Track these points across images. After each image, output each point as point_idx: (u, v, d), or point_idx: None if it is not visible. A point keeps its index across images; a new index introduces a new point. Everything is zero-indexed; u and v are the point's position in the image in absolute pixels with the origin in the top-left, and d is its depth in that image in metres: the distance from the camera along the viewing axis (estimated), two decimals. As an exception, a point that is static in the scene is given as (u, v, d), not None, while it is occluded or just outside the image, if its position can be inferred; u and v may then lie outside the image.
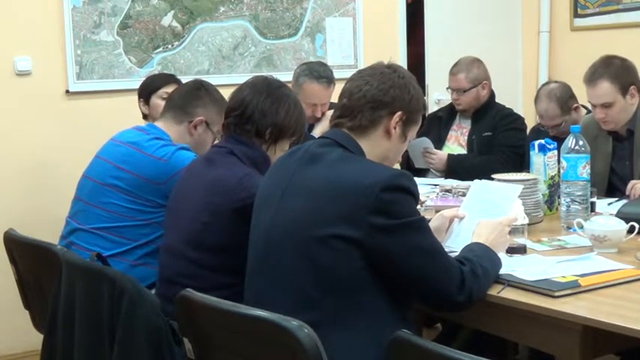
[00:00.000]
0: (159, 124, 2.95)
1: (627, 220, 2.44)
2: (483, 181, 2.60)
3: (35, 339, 2.74)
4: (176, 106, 2.95)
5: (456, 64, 4.20)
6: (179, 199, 2.51)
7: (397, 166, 3.20)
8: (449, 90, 4.21)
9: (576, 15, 5.41)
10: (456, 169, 3.96)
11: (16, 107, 3.98)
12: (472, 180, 2.71)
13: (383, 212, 1.88)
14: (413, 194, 1.95)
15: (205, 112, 2.93)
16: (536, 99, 3.90)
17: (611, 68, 3.25)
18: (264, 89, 2.48)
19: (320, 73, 3.91)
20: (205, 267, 2.34)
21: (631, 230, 2.41)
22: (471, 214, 2.41)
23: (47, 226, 3.49)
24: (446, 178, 3.90)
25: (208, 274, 2.33)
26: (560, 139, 3.04)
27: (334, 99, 3.44)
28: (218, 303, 1.86)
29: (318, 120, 3.94)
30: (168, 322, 2.16)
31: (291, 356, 1.67)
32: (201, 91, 2.96)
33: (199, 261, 2.35)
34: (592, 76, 3.26)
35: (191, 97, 2.95)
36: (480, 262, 2.05)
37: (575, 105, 3.83)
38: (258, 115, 2.44)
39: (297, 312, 1.79)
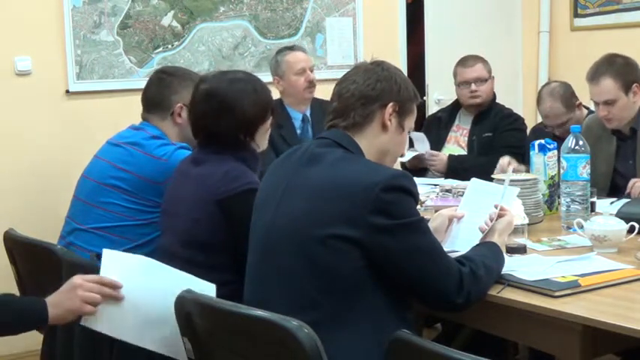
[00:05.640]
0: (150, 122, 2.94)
1: (627, 220, 2.44)
2: (479, 180, 2.58)
3: (35, 339, 2.73)
4: (154, 104, 2.91)
5: (467, 58, 4.14)
6: (171, 200, 2.51)
7: (397, 166, 3.20)
8: (461, 86, 4.12)
9: (576, 15, 5.41)
10: (457, 169, 3.95)
11: (16, 107, 3.97)
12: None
13: (383, 212, 1.88)
14: (413, 194, 1.96)
15: (179, 97, 2.88)
16: (539, 100, 3.90)
17: (614, 66, 3.26)
18: (216, 103, 2.43)
19: (292, 45, 4.14)
20: (200, 266, 2.32)
21: (631, 230, 2.41)
22: (469, 214, 2.41)
23: (47, 226, 3.48)
24: (446, 178, 3.89)
25: (203, 272, 2.31)
26: (560, 139, 3.04)
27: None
28: (218, 303, 1.86)
29: (313, 88, 3.95)
30: (168, 322, 2.15)
31: (291, 356, 1.67)
32: (165, 79, 2.93)
33: (193, 260, 2.34)
34: (595, 74, 3.27)
35: (161, 90, 2.91)
36: (484, 261, 2.05)
37: (578, 102, 3.84)
38: (225, 132, 2.41)
39: (297, 312, 1.79)
